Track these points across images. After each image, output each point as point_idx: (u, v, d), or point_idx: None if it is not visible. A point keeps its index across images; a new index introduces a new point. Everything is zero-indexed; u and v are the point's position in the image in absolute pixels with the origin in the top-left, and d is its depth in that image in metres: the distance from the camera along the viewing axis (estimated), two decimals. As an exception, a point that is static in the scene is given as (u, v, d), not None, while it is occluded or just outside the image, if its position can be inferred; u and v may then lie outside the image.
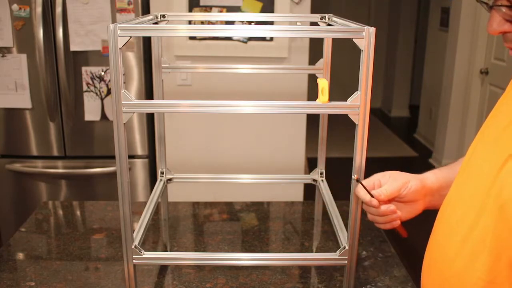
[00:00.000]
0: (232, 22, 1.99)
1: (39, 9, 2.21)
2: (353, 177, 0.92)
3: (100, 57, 2.31)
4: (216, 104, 0.89)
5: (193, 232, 1.44)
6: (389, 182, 0.93)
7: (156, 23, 1.24)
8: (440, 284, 0.75)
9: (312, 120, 1.92)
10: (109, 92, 2.37)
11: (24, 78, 2.32)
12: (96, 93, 2.36)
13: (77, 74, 2.33)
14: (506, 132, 0.70)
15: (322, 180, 1.39)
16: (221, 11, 2.33)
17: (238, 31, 0.89)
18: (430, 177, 0.95)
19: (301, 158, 2.55)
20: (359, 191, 0.92)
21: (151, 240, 1.38)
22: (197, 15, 1.91)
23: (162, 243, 1.39)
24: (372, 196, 0.90)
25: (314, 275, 1.24)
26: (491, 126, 0.76)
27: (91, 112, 2.38)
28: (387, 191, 0.91)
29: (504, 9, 0.66)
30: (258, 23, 1.88)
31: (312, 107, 0.90)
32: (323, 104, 0.88)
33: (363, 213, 0.97)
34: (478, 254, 0.68)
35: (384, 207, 0.91)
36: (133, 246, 0.98)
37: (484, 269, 0.67)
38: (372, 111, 4.97)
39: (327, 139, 1.39)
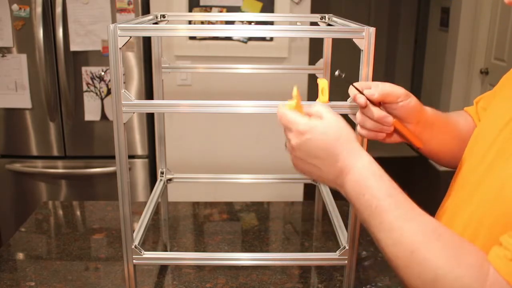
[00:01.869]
0: (232, 22, 1.99)
1: (39, 9, 2.21)
2: (336, 73, 0.80)
3: (100, 57, 2.31)
4: (216, 104, 0.89)
5: (193, 232, 1.44)
6: (387, 85, 0.84)
7: (156, 23, 1.24)
8: None
9: (312, 120, 1.92)
10: (109, 92, 2.37)
11: (24, 78, 2.32)
12: (96, 93, 2.36)
13: (77, 74, 2.33)
14: None
15: (322, 180, 1.39)
16: (221, 11, 2.33)
17: (238, 31, 0.89)
18: (428, 109, 0.89)
19: (301, 158, 2.54)
20: (350, 88, 0.83)
21: (151, 240, 1.38)
22: (197, 15, 1.92)
23: (162, 243, 1.39)
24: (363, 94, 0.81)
25: (314, 275, 1.24)
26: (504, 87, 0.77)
27: (91, 112, 2.38)
28: (380, 89, 0.81)
29: None
30: (258, 23, 1.88)
31: (312, 107, 0.90)
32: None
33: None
34: (477, 234, 0.68)
35: (376, 110, 0.82)
36: (133, 246, 0.98)
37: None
38: (372, 111, 4.94)
39: (327, 139, 1.39)
